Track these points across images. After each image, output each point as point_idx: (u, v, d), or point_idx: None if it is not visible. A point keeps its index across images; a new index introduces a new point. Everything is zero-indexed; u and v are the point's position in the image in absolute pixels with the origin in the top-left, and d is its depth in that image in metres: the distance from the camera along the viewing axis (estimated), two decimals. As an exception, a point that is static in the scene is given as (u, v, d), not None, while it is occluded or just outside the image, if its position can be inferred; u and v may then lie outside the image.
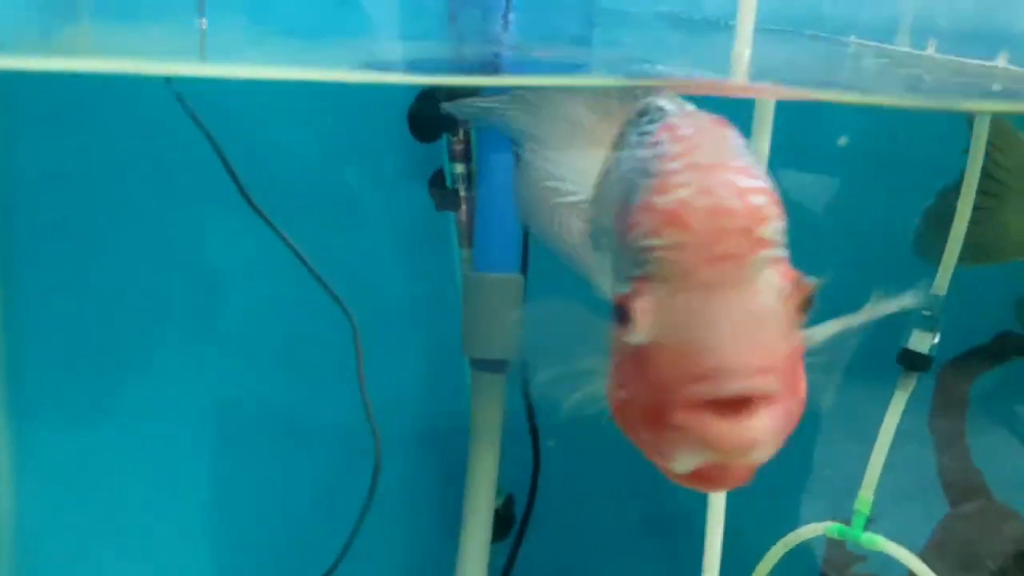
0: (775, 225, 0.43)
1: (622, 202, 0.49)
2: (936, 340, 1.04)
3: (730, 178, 0.43)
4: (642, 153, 0.49)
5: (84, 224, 1.33)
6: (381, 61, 1.06)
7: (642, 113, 0.56)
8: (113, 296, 1.35)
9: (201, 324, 1.36)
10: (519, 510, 1.39)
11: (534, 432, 1.35)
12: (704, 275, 0.42)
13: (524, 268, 1.23)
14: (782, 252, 0.43)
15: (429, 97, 1.25)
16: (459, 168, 1.26)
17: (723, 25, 0.85)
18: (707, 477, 0.43)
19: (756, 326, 0.41)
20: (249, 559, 1.42)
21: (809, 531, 1.00)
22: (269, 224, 1.23)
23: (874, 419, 1.06)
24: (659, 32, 1.04)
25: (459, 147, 1.26)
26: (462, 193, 1.27)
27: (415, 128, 1.26)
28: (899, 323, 1.07)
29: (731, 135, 0.47)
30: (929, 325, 1.04)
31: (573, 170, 0.66)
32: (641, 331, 0.43)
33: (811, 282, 0.43)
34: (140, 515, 1.39)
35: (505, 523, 1.37)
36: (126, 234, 1.33)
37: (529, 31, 1.06)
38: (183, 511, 1.39)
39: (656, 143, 0.47)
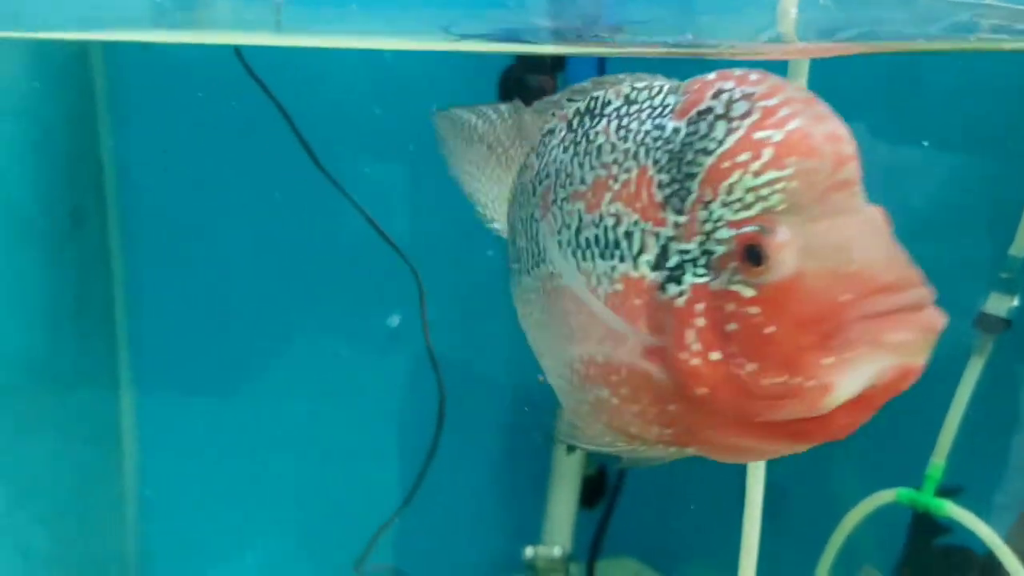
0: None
1: (652, 171, 0.51)
2: (1015, 303, 1.00)
3: (829, 114, 0.45)
4: (660, 121, 0.51)
5: (192, 201, 1.39)
6: (461, 29, 1.07)
7: (589, 110, 0.57)
8: (218, 269, 1.40)
9: (292, 293, 1.41)
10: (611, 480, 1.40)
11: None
12: (835, 200, 0.44)
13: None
14: None
15: (524, 65, 1.26)
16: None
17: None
18: (869, 397, 0.45)
19: (894, 244, 0.44)
20: (332, 507, 1.45)
21: (881, 497, 0.98)
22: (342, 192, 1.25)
23: (949, 385, 1.02)
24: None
25: (547, 120, 1.27)
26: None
27: (506, 95, 1.28)
28: (977, 286, 1.03)
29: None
30: (1007, 288, 1.01)
31: (488, 195, 0.70)
32: (783, 265, 0.44)
33: (885, 212, 0.46)
34: (247, 472, 1.45)
35: (597, 492, 1.39)
36: (231, 207, 1.39)
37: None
38: (283, 468, 1.44)
39: (717, 93, 0.48)
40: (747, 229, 0.46)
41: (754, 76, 0.48)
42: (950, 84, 1.15)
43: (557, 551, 1.15)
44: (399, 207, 1.36)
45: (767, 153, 0.45)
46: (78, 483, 1.36)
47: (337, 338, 1.39)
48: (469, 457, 1.38)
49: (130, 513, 1.47)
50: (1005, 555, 0.81)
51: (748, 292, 0.46)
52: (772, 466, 1.37)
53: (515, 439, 1.30)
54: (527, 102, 1.27)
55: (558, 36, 1.12)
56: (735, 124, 0.47)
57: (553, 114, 0.61)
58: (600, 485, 1.40)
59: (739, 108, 0.47)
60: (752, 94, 0.47)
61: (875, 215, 0.45)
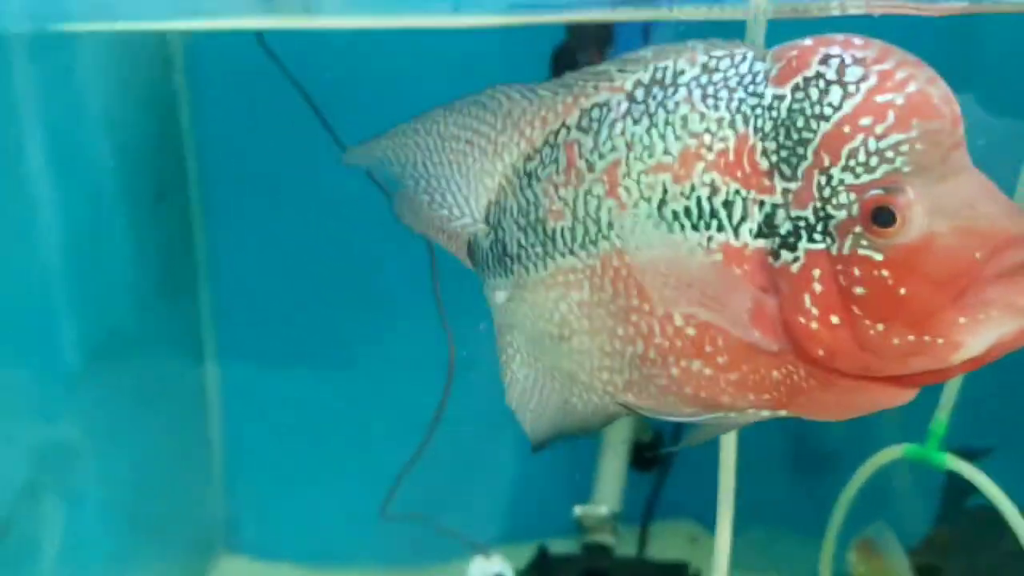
0: None
1: (754, 139, 0.51)
2: None
3: (936, 76, 0.46)
4: (755, 88, 0.51)
5: (268, 177, 1.45)
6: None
7: (655, 80, 0.56)
8: (294, 241, 1.46)
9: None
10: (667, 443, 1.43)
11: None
12: (955, 159, 0.45)
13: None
14: None
15: (569, 47, 1.28)
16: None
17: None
18: (991, 352, 0.45)
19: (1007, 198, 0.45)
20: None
21: (889, 454, 0.99)
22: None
23: None
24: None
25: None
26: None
27: (558, 74, 1.31)
28: None
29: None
30: None
31: (458, 196, 0.68)
32: (914, 225, 0.45)
33: None
34: (325, 434, 1.52)
35: (653, 455, 1.42)
36: (303, 183, 1.44)
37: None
38: (354, 430, 1.51)
39: (824, 59, 0.49)
40: (874, 192, 0.46)
41: (859, 41, 0.49)
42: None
43: (604, 510, 1.19)
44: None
45: (890, 116, 0.46)
46: (165, 448, 1.44)
47: (402, 306, 1.43)
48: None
49: (216, 476, 1.57)
50: (1005, 506, 0.82)
51: (877, 255, 0.46)
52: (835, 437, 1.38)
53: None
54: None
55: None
56: (852, 88, 0.47)
57: (596, 87, 0.60)
58: (655, 449, 1.44)
59: (854, 73, 0.47)
60: (864, 58, 0.47)
61: (980, 173, 0.46)
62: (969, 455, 0.93)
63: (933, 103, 0.45)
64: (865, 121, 0.46)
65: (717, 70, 0.54)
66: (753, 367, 0.52)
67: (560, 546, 1.31)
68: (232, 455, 1.57)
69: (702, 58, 0.55)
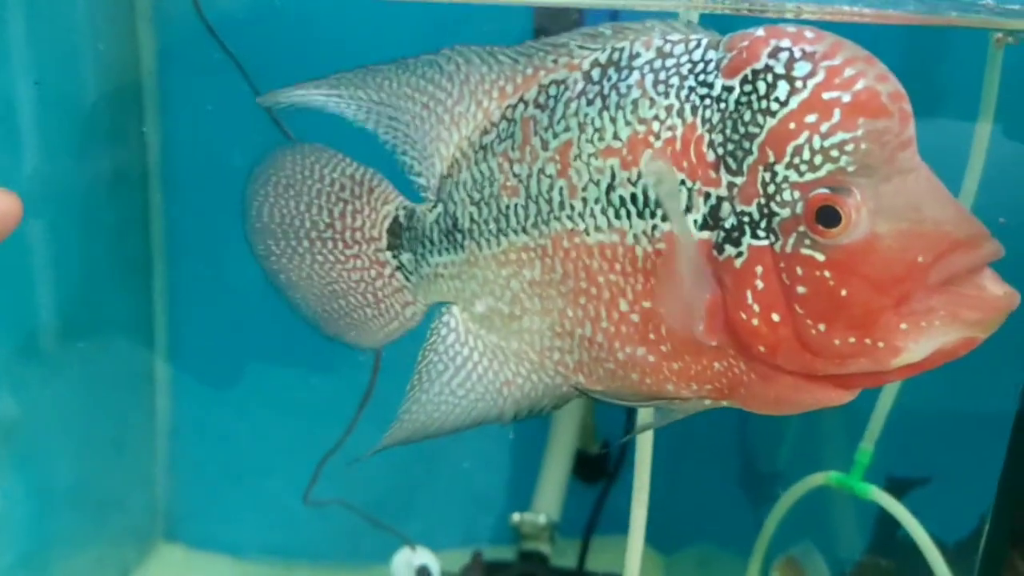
0: None
1: (701, 130, 0.50)
2: None
3: (886, 67, 0.45)
4: (706, 77, 0.50)
5: (228, 169, 1.44)
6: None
7: (612, 61, 0.55)
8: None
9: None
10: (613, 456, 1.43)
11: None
12: (903, 159, 0.44)
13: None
14: None
15: (544, 21, 1.27)
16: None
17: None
18: (932, 359, 0.44)
19: (955, 199, 0.44)
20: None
21: (813, 480, 1.00)
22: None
23: None
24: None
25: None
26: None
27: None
28: None
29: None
30: None
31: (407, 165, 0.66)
32: (858, 226, 0.44)
33: None
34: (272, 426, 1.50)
35: (598, 469, 1.42)
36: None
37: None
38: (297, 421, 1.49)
39: (774, 52, 0.47)
40: (818, 191, 0.45)
41: (810, 34, 0.47)
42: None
43: (542, 519, 1.19)
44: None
45: (836, 113, 0.44)
46: (108, 432, 1.43)
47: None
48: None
49: (158, 464, 1.55)
50: (922, 540, 0.83)
51: (819, 255, 0.45)
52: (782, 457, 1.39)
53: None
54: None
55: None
56: (799, 84, 0.46)
57: (555, 61, 0.58)
58: (602, 462, 1.44)
59: (802, 68, 0.46)
60: (814, 53, 0.46)
61: (931, 172, 0.45)
62: (903, 485, 0.94)
63: (880, 101, 0.43)
64: (811, 118, 0.45)
65: (671, 55, 0.53)
66: (695, 357, 0.52)
67: (496, 553, 1.30)
68: (175, 443, 1.55)
69: (657, 42, 0.54)
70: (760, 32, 0.50)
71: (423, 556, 1.16)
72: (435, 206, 0.65)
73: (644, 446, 0.78)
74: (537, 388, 0.62)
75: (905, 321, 0.44)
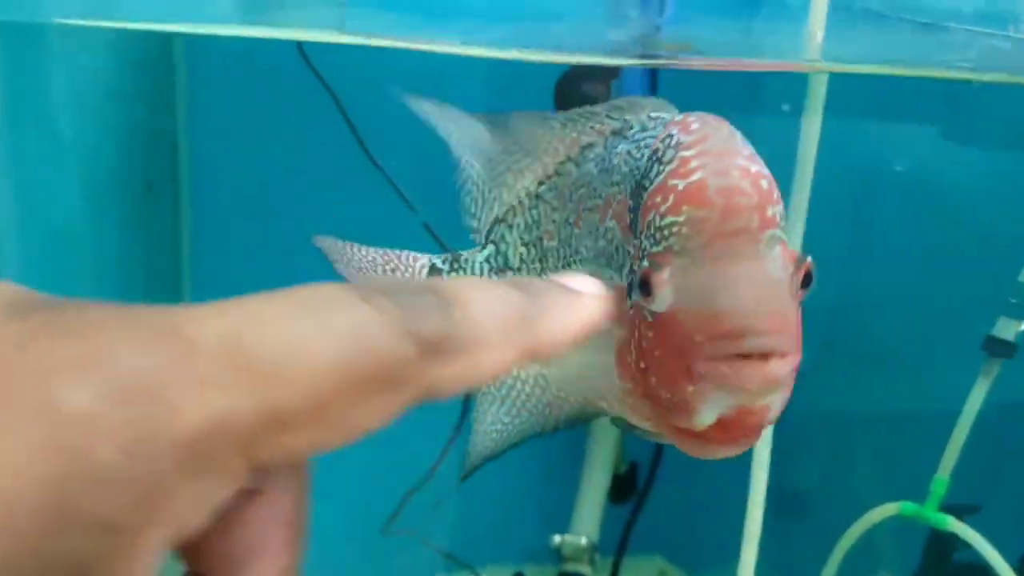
0: (778, 208, 0.48)
1: (627, 197, 0.56)
2: (1022, 328, 1.05)
3: (741, 163, 0.48)
4: (642, 152, 0.56)
5: (255, 179, 1.45)
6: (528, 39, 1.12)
7: (619, 131, 0.62)
8: (276, 241, 1.46)
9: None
10: (642, 477, 1.44)
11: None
12: (720, 247, 0.47)
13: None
14: (782, 234, 0.48)
15: (579, 73, 1.30)
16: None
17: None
18: (728, 425, 0.48)
19: (770, 293, 0.46)
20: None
21: (884, 511, 1.01)
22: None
23: (956, 404, 1.06)
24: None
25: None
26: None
27: (560, 106, 1.32)
28: (985, 310, 1.06)
29: (734, 130, 0.51)
30: (1016, 313, 1.05)
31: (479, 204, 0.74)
32: (662, 299, 0.48)
33: (809, 261, 0.47)
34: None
35: (627, 488, 1.42)
36: (289, 188, 1.45)
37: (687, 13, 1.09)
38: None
39: (666, 137, 0.53)
40: (646, 263, 0.50)
41: (695, 125, 0.52)
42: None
43: (584, 540, 1.19)
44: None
45: (671, 199, 0.49)
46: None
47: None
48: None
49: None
50: (1004, 571, 0.84)
51: (647, 317, 0.51)
52: (786, 472, 1.40)
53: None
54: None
55: (615, 48, 1.16)
56: (660, 169, 0.51)
57: (592, 128, 0.65)
58: (630, 482, 1.44)
59: (668, 155, 0.51)
60: (680, 143, 0.51)
61: (771, 264, 0.47)
62: (956, 512, 0.95)
63: (704, 194, 0.47)
64: (657, 199, 0.50)
65: (646, 130, 0.59)
66: (636, 396, 0.56)
67: (535, 573, 1.30)
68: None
69: (643, 117, 0.61)
70: (679, 116, 0.55)
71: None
72: (484, 247, 0.72)
73: (758, 483, 0.79)
74: (574, 406, 0.68)
75: (690, 385, 0.48)
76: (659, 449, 1.42)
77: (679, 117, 0.56)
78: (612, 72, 1.27)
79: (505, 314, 0.33)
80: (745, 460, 1.48)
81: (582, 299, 0.40)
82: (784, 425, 0.58)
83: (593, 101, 1.35)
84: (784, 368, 0.46)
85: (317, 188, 1.44)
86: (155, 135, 1.40)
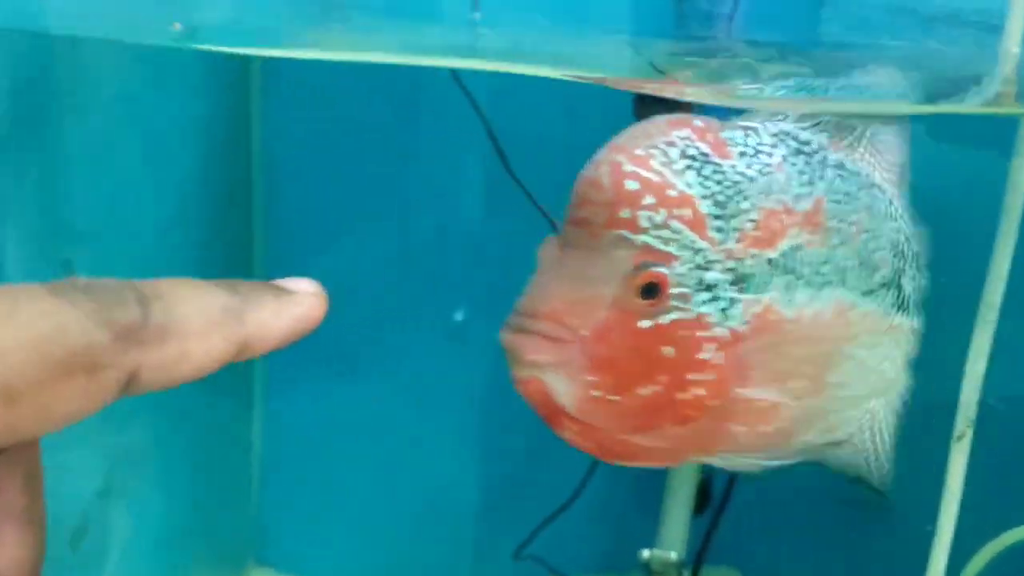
0: (646, 214, 0.46)
1: None
2: None
3: (618, 159, 0.47)
4: None
5: (328, 196, 1.47)
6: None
7: None
8: (346, 256, 1.47)
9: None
10: (719, 487, 1.43)
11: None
12: (567, 231, 0.48)
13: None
14: (648, 240, 0.45)
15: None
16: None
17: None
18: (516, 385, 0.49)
19: (566, 284, 0.46)
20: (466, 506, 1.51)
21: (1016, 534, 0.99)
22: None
23: None
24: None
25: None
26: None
27: (640, 115, 1.31)
28: None
29: (669, 132, 0.48)
30: None
31: None
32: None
33: (660, 274, 0.45)
34: (376, 458, 1.50)
35: (702, 499, 1.41)
36: (361, 204, 1.46)
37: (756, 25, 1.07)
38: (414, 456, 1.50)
39: None
40: None
41: (646, 123, 0.51)
42: None
43: (673, 555, 1.18)
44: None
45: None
46: (211, 458, 1.45)
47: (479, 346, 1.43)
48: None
49: (252, 486, 1.56)
50: None
51: None
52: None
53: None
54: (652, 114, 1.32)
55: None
56: None
57: None
58: (705, 492, 1.42)
59: None
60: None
61: (589, 259, 0.46)
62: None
63: (576, 181, 0.48)
64: None
65: None
66: None
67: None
68: (268, 464, 1.56)
69: None
70: None
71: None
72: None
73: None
74: None
75: None
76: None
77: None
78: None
79: (208, 304, 0.35)
80: (819, 470, 1.48)
81: (294, 296, 0.40)
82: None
83: (675, 108, 1.35)
84: (542, 351, 0.45)
85: (385, 198, 1.44)
86: (233, 150, 1.43)
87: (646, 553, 1.19)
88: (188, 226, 1.29)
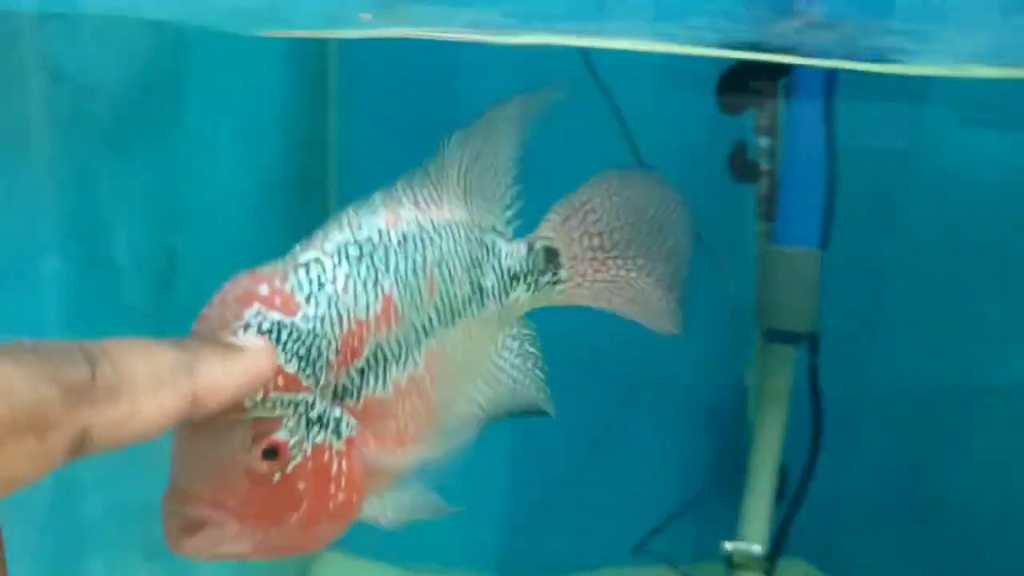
0: (246, 399, 0.46)
1: None
2: None
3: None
4: None
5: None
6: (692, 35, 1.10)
7: None
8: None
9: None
10: (793, 478, 1.42)
11: (816, 403, 1.37)
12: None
13: (823, 243, 1.24)
14: (263, 413, 0.46)
15: (739, 72, 1.28)
16: (764, 142, 1.29)
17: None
18: None
19: (209, 464, 0.46)
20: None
21: None
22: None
23: None
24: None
25: (765, 122, 1.28)
26: (764, 167, 1.29)
27: (725, 102, 1.30)
28: None
29: (242, 313, 0.47)
30: None
31: None
32: None
33: (275, 439, 0.47)
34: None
35: (778, 491, 1.40)
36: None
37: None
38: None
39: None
40: None
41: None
42: None
43: (757, 548, 1.17)
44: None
45: None
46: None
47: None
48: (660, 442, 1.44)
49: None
50: None
51: None
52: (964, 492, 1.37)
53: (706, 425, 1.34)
54: (743, 108, 1.30)
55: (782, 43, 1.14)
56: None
57: None
58: (780, 484, 1.41)
59: None
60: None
61: (211, 438, 0.47)
62: None
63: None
64: None
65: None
66: None
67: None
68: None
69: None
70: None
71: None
72: None
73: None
74: None
75: None
76: (814, 451, 1.40)
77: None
78: (782, 69, 1.25)
79: (157, 361, 0.35)
80: (903, 465, 1.46)
81: (243, 351, 0.40)
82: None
83: (761, 101, 1.33)
84: (199, 539, 0.47)
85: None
86: (311, 140, 1.44)
87: (728, 545, 1.18)
88: (273, 211, 1.30)
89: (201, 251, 1.01)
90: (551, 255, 0.62)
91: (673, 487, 1.44)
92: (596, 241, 0.65)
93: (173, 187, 0.95)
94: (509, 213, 0.61)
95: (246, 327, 0.46)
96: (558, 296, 0.63)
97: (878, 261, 1.42)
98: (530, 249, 0.61)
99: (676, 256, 0.70)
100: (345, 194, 1.49)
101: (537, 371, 0.65)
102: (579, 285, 0.64)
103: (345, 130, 1.48)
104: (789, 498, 1.41)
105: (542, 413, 0.67)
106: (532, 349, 0.64)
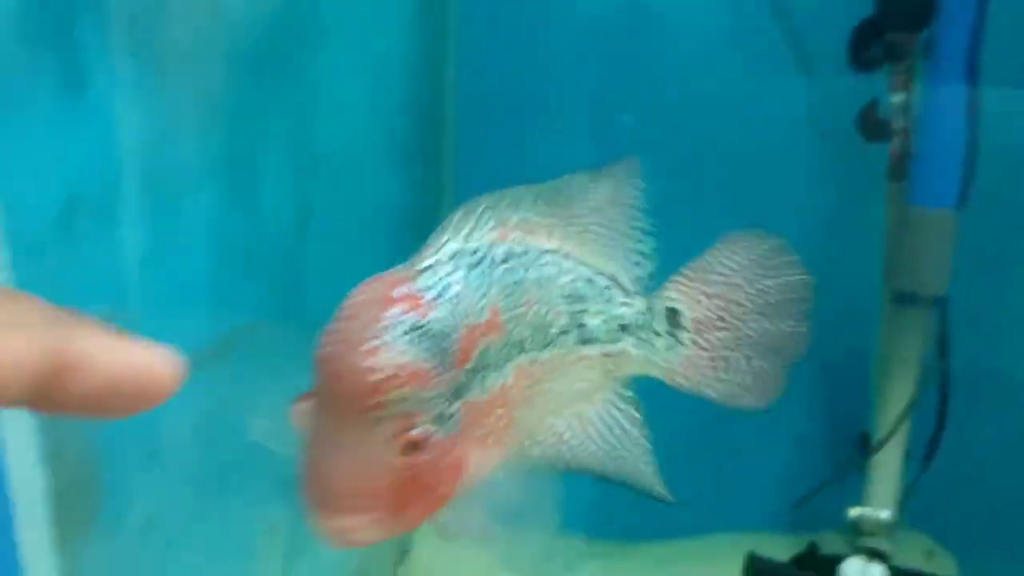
0: (389, 396, 0.48)
1: None
2: None
3: (351, 359, 0.48)
4: None
5: (518, 141, 1.47)
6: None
7: None
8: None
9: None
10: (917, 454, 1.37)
11: (944, 371, 1.32)
12: (325, 412, 0.49)
13: (960, 204, 1.19)
14: (402, 409, 0.48)
15: (875, 24, 1.23)
16: (898, 98, 1.24)
17: None
18: None
19: (352, 460, 0.48)
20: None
21: None
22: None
23: None
24: None
25: (901, 77, 1.23)
26: (898, 124, 1.24)
27: (858, 57, 1.25)
28: None
29: (383, 316, 0.49)
30: None
31: None
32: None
33: (415, 436, 0.48)
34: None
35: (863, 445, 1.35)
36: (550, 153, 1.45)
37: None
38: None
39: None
40: None
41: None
42: None
43: (885, 514, 1.14)
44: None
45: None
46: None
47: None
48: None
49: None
50: None
51: None
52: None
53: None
54: (879, 64, 1.26)
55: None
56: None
57: None
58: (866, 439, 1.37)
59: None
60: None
61: (365, 438, 0.50)
62: None
63: (320, 363, 0.49)
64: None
65: None
66: None
67: (831, 545, 1.27)
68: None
69: None
70: None
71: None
72: None
73: None
74: None
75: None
76: (940, 423, 1.35)
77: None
78: (923, 20, 1.19)
79: (31, 308, 0.31)
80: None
81: (144, 346, 0.35)
82: None
83: (898, 56, 1.28)
84: (354, 532, 0.49)
85: (573, 149, 1.44)
86: (431, 82, 1.44)
87: (855, 511, 1.15)
88: (396, 158, 1.31)
89: (332, 200, 1.02)
90: (673, 316, 0.61)
91: (791, 455, 1.42)
92: (722, 309, 0.64)
93: (310, 134, 0.96)
94: (638, 271, 0.60)
95: (386, 330, 0.49)
96: (674, 361, 0.60)
97: (1013, 225, 1.36)
98: (650, 307, 0.60)
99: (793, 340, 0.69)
100: (463, 138, 1.50)
101: (643, 439, 0.65)
102: (699, 355, 0.64)
103: (463, 73, 1.48)
104: (919, 468, 1.37)
105: (659, 499, 0.68)
106: (636, 413, 0.65)
